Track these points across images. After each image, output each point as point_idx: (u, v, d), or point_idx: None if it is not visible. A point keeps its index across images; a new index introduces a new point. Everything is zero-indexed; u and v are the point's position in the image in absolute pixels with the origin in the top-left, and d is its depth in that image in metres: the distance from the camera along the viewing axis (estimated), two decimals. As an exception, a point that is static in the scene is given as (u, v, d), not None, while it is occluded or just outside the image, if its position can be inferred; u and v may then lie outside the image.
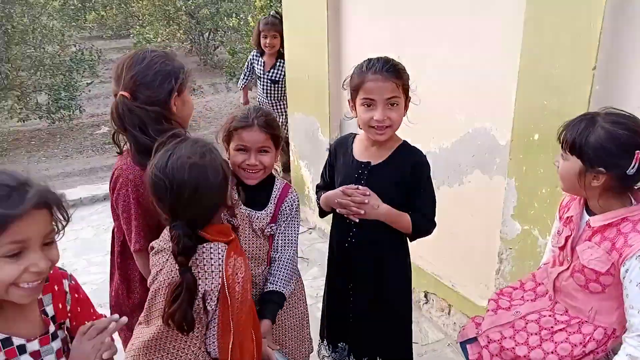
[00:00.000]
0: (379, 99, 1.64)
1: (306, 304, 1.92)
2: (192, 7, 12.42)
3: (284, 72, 4.06)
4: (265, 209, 1.72)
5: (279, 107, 4.30)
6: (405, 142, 1.81)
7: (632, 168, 1.33)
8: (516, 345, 1.53)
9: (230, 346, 1.37)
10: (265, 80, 4.26)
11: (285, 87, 4.12)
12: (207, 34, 13.15)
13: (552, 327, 1.52)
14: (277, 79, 4.21)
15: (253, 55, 4.31)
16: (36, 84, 9.01)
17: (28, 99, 9.06)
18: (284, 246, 1.77)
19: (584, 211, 1.51)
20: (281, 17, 3.88)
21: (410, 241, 1.85)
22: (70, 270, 1.30)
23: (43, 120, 9.40)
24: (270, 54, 4.15)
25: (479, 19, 2.27)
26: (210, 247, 1.37)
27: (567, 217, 1.56)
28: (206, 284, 1.34)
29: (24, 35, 8.68)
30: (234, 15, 11.81)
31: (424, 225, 1.77)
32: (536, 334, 1.53)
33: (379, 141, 1.73)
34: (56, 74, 9.21)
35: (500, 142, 2.23)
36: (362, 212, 1.68)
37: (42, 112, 9.23)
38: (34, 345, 1.13)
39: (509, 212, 2.15)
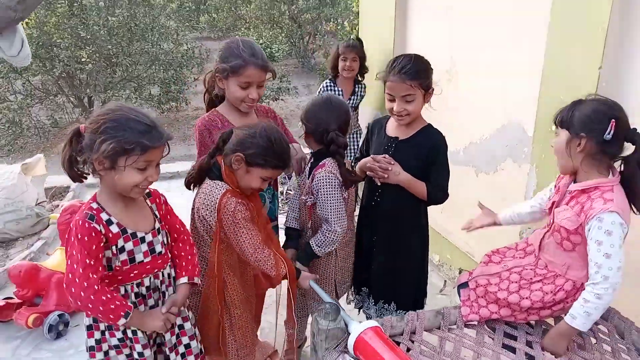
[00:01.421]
0: (396, 96, 2.03)
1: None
2: (296, 12, 13.15)
3: (363, 97, 3.91)
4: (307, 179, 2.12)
5: (357, 132, 3.97)
6: (429, 125, 2.16)
7: (608, 134, 1.60)
8: (498, 290, 1.83)
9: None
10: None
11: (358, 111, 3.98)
12: (307, 37, 13.84)
13: (531, 278, 1.81)
14: (356, 105, 3.92)
15: (326, 86, 3.80)
16: (151, 77, 10.06)
17: (143, 90, 10.16)
18: (323, 220, 2.08)
19: (572, 182, 1.79)
20: (361, 42, 3.82)
21: (427, 206, 2.20)
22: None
23: (154, 109, 10.49)
24: (347, 78, 3.77)
25: (513, 28, 2.56)
26: (213, 184, 1.84)
27: (561, 185, 1.84)
28: (204, 209, 1.83)
29: (144, 33, 9.70)
30: (331, 20, 12.34)
31: (437, 194, 2.12)
32: (516, 282, 1.83)
33: (406, 124, 2.11)
34: (168, 69, 10.22)
35: (528, 134, 2.50)
36: (386, 175, 2.07)
37: (154, 102, 10.30)
38: (149, 237, 1.65)
39: (529, 195, 2.42)
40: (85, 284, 1.48)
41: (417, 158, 2.11)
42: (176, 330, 1.79)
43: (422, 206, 2.20)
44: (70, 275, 1.50)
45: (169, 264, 1.76)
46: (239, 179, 1.85)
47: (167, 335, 1.75)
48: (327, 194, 2.03)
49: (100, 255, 1.53)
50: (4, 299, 2.78)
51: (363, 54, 3.76)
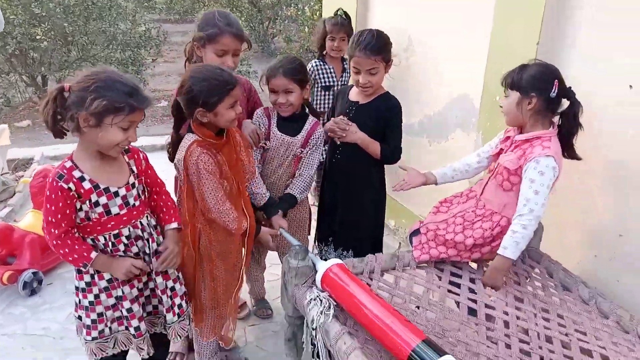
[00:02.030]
0: (362, 69, 2.26)
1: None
2: (256, -4, 13.12)
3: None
4: (297, 135, 2.31)
5: None
6: (387, 92, 2.40)
7: (553, 92, 1.88)
8: (446, 233, 2.09)
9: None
10: (338, 88, 3.52)
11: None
12: (266, 22, 13.84)
13: (472, 219, 2.08)
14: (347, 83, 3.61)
15: (315, 66, 3.56)
16: (108, 57, 9.90)
17: (99, 70, 10.01)
18: (307, 166, 2.36)
19: (517, 134, 2.05)
20: (349, 17, 3.53)
21: (382, 164, 2.46)
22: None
23: (111, 90, 10.33)
24: (336, 58, 3.56)
25: (464, 13, 2.82)
26: (186, 136, 1.97)
27: (506, 137, 2.10)
28: (177, 162, 1.97)
29: (102, 12, 9.55)
30: (292, 5, 12.37)
31: (391, 154, 2.39)
32: (461, 224, 2.09)
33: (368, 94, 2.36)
34: (126, 50, 10.10)
35: (475, 106, 2.77)
36: (344, 134, 2.31)
37: (111, 83, 10.16)
38: (122, 191, 1.77)
39: (476, 160, 2.68)
40: (55, 232, 1.63)
41: (374, 120, 2.35)
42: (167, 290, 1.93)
43: (376, 167, 2.46)
44: (44, 226, 1.66)
45: (147, 214, 1.88)
46: (215, 125, 1.93)
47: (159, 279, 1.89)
48: (319, 148, 2.34)
49: (68, 210, 1.65)
50: (-23, 259, 2.85)
51: (351, 31, 3.47)
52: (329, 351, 1.73)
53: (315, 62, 3.58)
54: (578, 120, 1.95)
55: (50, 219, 1.63)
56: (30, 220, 2.98)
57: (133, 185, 1.80)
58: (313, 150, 2.36)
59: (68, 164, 1.67)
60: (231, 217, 2.01)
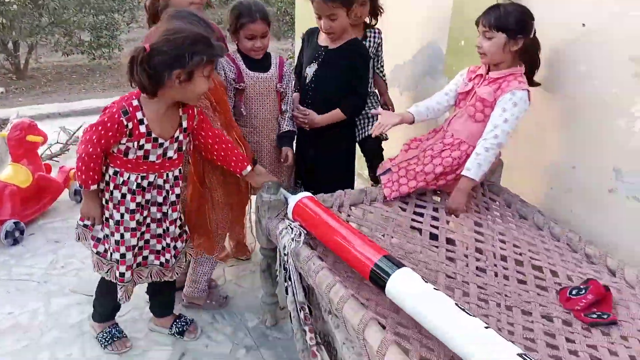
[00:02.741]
0: (322, 15, 2.32)
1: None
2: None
3: (377, 41, 2.81)
4: (269, 70, 2.38)
5: (374, 96, 2.93)
6: (356, 38, 2.47)
7: (533, 33, 2.01)
8: (416, 165, 2.21)
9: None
10: None
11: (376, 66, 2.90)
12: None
13: (441, 150, 2.19)
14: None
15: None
16: (80, 22, 9.73)
17: (72, 35, 9.83)
18: (289, 100, 2.47)
19: (489, 72, 2.15)
20: None
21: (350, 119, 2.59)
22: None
23: (85, 55, 10.19)
24: (356, 25, 2.71)
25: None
26: None
27: (476, 75, 2.20)
28: None
29: (73, -26, 9.33)
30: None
31: (353, 108, 2.51)
32: (430, 156, 2.20)
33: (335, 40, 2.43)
34: (99, 14, 9.93)
35: (443, 52, 2.86)
36: (306, 121, 2.47)
37: (85, 48, 10.00)
38: (166, 143, 1.85)
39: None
40: (89, 148, 1.73)
41: (342, 66, 2.43)
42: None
43: (343, 122, 2.55)
44: (85, 137, 1.75)
45: (179, 168, 1.97)
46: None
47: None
48: (292, 78, 2.49)
49: (112, 140, 1.75)
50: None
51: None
52: (300, 274, 1.85)
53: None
54: (538, 57, 2.08)
55: (93, 137, 1.72)
56: (10, 173, 3.02)
57: (177, 139, 1.89)
58: (290, 81, 2.46)
59: (135, 103, 1.76)
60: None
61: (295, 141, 2.64)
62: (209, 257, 2.32)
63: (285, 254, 1.88)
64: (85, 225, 1.96)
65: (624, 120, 1.99)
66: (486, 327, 1.37)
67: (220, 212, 2.21)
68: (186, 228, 2.13)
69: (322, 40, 2.48)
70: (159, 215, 1.96)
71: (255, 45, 2.30)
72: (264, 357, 2.20)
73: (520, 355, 1.29)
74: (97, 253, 1.95)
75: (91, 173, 1.79)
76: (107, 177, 1.85)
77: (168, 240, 2.01)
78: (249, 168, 2.09)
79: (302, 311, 1.85)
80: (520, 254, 1.99)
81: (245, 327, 2.36)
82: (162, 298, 2.27)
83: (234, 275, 2.71)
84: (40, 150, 3.43)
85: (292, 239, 1.86)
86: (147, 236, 1.97)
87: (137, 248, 1.95)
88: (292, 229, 1.89)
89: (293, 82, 2.50)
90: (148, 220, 1.95)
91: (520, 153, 2.43)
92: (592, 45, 2.07)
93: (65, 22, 9.53)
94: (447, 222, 2.15)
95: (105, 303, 2.16)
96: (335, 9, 2.28)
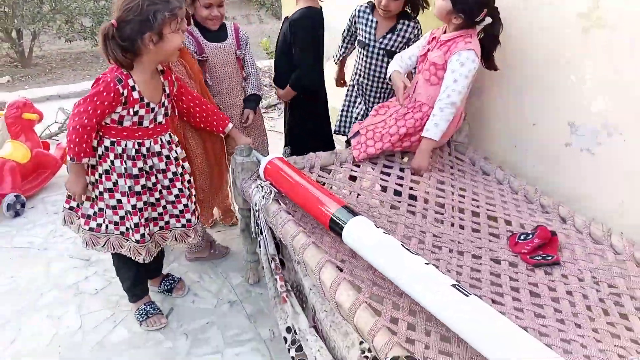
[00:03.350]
0: None
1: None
2: None
3: (408, 38, 2.58)
4: (227, 39, 2.52)
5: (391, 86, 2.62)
6: (308, 7, 2.55)
7: (479, 19, 2.11)
8: (382, 128, 2.33)
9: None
10: (375, 49, 2.60)
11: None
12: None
13: (404, 113, 2.32)
14: (393, 48, 2.58)
15: (359, 11, 2.63)
16: (81, 8, 9.85)
17: (74, 21, 9.95)
18: (251, 64, 2.61)
19: (442, 35, 2.26)
20: None
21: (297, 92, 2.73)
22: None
23: (88, 42, 10.33)
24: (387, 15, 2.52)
25: None
26: None
27: (432, 38, 2.31)
28: None
29: (72, -40, 9.42)
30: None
31: (295, 84, 2.66)
32: (395, 119, 2.33)
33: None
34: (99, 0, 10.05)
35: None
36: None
37: (87, 34, 10.14)
38: (155, 108, 1.96)
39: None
40: (83, 120, 1.81)
41: (285, 34, 2.62)
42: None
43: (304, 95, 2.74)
44: (78, 108, 1.82)
45: (169, 132, 2.08)
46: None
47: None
48: (249, 44, 2.63)
49: (108, 110, 1.84)
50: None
51: None
52: (270, 228, 2.01)
53: (362, 6, 2.64)
54: (498, 39, 2.18)
55: (88, 108, 1.80)
56: (9, 150, 3.19)
57: (163, 104, 2.01)
58: (247, 47, 2.59)
59: (125, 71, 1.84)
60: None
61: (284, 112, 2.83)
62: None
63: (256, 210, 2.03)
64: (71, 208, 2.06)
65: (575, 76, 2.10)
66: (426, 264, 1.52)
67: (200, 178, 2.37)
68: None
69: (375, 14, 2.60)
70: (166, 182, 2.08)
71: (212, 13, 2.39)
72: (246, 311, 2.36)
73: (453, 285, 1.44)
74: (90, 229, 2.04)
75: (84, 145, 1.85)
76: (100, 151, 1.94)
77: (185, 201, 2.12)
78: (230, 125, 2.25)
79: (272, 262, 2.01)
80: (478, 207, 2.12)
81: (229, 285, 2.53)
82: (155, 259, 2.41)
83: (221, 239, 2.87)
84: (39, 130, 3.60)
85: (263, 197, 2.01)
86: (162, 202, 2.10)
87: (148, 214, 2.05)
88: (262, 187, 2.04)
89: (250, 49, 2.63)
90: (159, 186, 2.06)
91: (486, 114, 2.55)
92: (543, 4, 2.17)
93: (66, 9, 9.65)
94: (412, 181, 2.28)
95: (128, 276, 2.25)
96: None
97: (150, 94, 1.93)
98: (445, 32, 2.25)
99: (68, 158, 1.89)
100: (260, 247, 2.09)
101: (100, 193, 1.99)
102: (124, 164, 1.94)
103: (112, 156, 1.93)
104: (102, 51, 1.82)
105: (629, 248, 1.82)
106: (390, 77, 2.41)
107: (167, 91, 2.02)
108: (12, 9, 9.08)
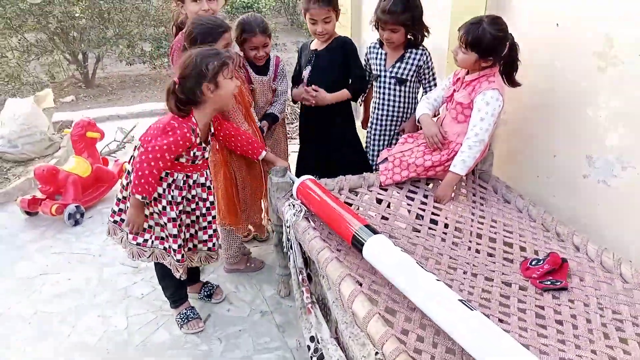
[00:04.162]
0: (318, 20, 2.67)
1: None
2: (288, -30, 13.39)
3: (418, 65, 2.76)
4: (268, 73, 2.82)
5: (406, 113, 2.90)
6: (339, 36, 2.81)
7: (504, 53, 2.26)
8: (409, 158, 2.49)
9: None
10: (386, 78, 2.81)
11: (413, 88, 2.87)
12: (296, -4, 14.12)
13: (432, 149, 2.47)
14: (404, 76, 2.77)
15: (370, 47, 2.91)
16: (142, 33, 10.49)
17: (135, 46, 10.60)
18: (281, 93, 2.90)
19: (466, 75, 2.42)
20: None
21: (354, 101, 2.88)
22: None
23: (146, 65, 10.96)
24: (392, 46, 2.75)
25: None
26: None
27: (457, 78, 2.48)
28: None
29: (136, -12, 10.08)
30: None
31: (359, 87, 2.81)
32: (422, 151, 2.49)
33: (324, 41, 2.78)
34: (159, 26, 10.67)
35: (444, 50, 3.13)
36: (314, 102, 2.76)
37: (147, 58, 10.77)
38: (207, 147, 2.26)
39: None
40: (160, 165, 2.05)
41: (332, 61, 2.78)
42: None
43: (341, 105, 2.87)
44: (151, 152, 2.02)
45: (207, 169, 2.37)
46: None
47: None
48: (285, 76, 2.92)
49: (175, 155, 2.09)
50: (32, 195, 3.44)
51: (410, 18, 2.62)
52: (299, 243, 2.19)
53: (372, 44, 2.92)
54: (517, 62, 2.32)
55: (165, 154, 2.03)
56: (73, 164, 3.54)
57: (208, 142, 2.30)
58: (283, 78, 2.90)
59: (194, 120, 2.12)
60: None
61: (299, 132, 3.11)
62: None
63: (288, 227, 2.23)
64: (115, 222, 2.31)
65: (591, 109, 2.22)
66: (437, 280, 1.67)
67: (242, 192, 2.63)
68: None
69: (313, 45, 2.87)
70: (204, 210, 2.36)
71: (257, 54, 2.72)
72: (276, 321, 2.55)
73: (460, 300, 1.58)
74: (137, 244, 2.29)
75: (156, 186, 2.09)
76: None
77: (214, 226, 2.42)
78: (264, 153, 2.48)
79: (300, 274, 2.20)
80: (495, 233, 2.24)
81: (262, 296, 2.73)
82: (191, 269, 2.66)
83: (257, 254, 3.08)
84: (100, 147, 3.95)
85: (294, 214, 2.21)
86: (196, 227, 2.37)
87: (184, 235, 2.30)
88: (293, 205, 2.24)
89: (286, 80, 2.93)
90: (197, 212, 2.34)
91: (511, 145, 2.68)
92: (564, 42, 2.30)
93: (129, 34, 10.31)
94: (434, 207, 2.42)
95: (170, 284, 2.48)
96: (330, 12, 2.66)
97: (204, 136, 2.23)
98: (468, 73, 2.40)
99: (137, 195, 2.06)
100: (290, 261, 2.27)
101: (150, 213, 2.23)
102: (171, 192, 2.20)
103: (164, 185, 2.18)
104: (167, 104, 2.12)
105: (637, 277, 1.90)
106: (419, 119, 2.59)
107: (212, 130, 2.32)
108: (80, 33, 9.77)
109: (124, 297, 2.72)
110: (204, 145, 2.23)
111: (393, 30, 2.62)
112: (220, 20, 2.38)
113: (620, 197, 2.14)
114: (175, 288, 2.51)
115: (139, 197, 2.07)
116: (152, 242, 2.28)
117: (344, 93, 2.77)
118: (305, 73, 2.87)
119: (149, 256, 2.31)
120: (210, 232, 2.41)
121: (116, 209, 2.30)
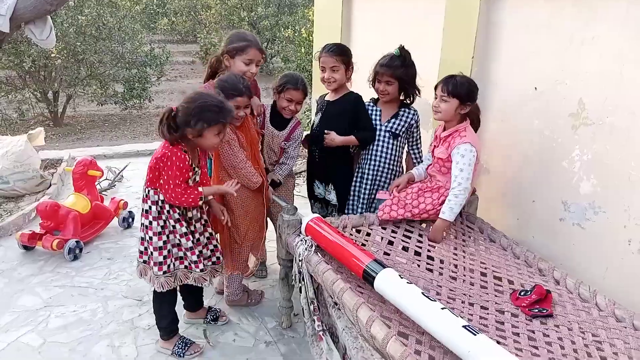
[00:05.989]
0: (327, 67, 2.95)
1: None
2: (255, 18, 13.90)
3: (410, 123, 3.03)
4: (283, 131, 3.02)
5: (395, 162, 3.11)
6: (351, 91, 3.08)
7: (476, 100, 2.60)
8: (405, 199, 2.76)
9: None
10: (382, 132, 3.03)
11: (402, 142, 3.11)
12: (265, 43, 14.61)
13: (425, 189, 2.75)
14: (397, 132, 3.02)
15: (366, 106, 3.09)
16: (115, 75, 10.64)
17: (107, 87, 10.71)
18: (289, 157, 3.08)
19: (442, 132, 2.74)
20: (404, 57, 2.93)
21: (361, 149, 3.11)
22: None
23: (118, 105, 11.05)
24: (388, 101, 3.04)
25: (420, 36, 3.54)
26: None
27: (436, 136, 2.79)
28: None
29: (111, 32, 10.27)
30: (289, 27, 13.16)
31: (368, 136, 3.04)
32: (416, 192, 2.76)
33: (333, 90, 3.05)
34: (132, 68, 10.85)
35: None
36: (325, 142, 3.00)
37: (118, 99, 10.88)
38: (197, 169, 2.46)
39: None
40: (179, 190, 2.30)
41: (340, 114, 3.02)
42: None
43: (349, 153, 3.14)
44: (167, 186, 2.29)
45: None
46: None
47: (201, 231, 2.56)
48: (298, 144, 3.09)
49: (185, 176, 2.32)
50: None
51: (405, 73, 2.91)
52: (311, 276, 2.39)
53: (366, 102, 3.13)
54: (479, 115, 2.69)
55: (177, 181, 2.29)
56: (73, 200, 3.64)
57: (199, 164, 2.50)
58: (294, 145, 3.07)
59: (184, 150, 2.32)
60: (253, 173, 2.73)
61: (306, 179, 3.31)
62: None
63: (300, 260, 2.43)
64: (145, 262, 2.47)
65: (566, 162, 2.56)
66: (442, 308, 1.90)
67: (251, 229, 2.83)
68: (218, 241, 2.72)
69: (327, 97, 3.13)
70: (201, 229, 2.55)
71: (290, 107, 2.95)
72: (280, 350, 2.70)
73: (464, 326, 1.81)
74: (164, 273, 2.45)
75: (190, 191, 2.33)
76: (159, 206, 2.38)
77: (215, 242, 2.62)
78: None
79: (312, 304, 2.39)
80: (486, 268, 2.51)
81: (265, 328, 2.88)
82: (195, 295, 2.83)
83: (257, 288, 3.24)
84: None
85: (306, 249, 2.42)
86: (200, 247, 2.54)
87: (177, 253, 2.48)
88: (305, 241, 2.45)
89: (298, 148, 3.11)
90: (197, 234, 2.52)
91: (494, 191, 2.99)
92: (542, 104, 2.66)
93: (102, 75, 10.43)
94: (429, 245, 2.68)
95: (166, 312, 2.60)
96: (337, 63, 2.93)
97: (194, 160, 2.42)
98: (444, 129, 2.72)
99: (198, 201, 2.38)
100: (300, 292, 2.46)
101: (167, 236, 2.42)
102: (176, 210, 2.40)
103: (167, 207, 2.39)
104: (158, 127, 2.32)
105: (610, 306, 2.19)
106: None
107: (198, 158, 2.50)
108: (51, 73, 9.80)
109: (131, 328, 2.82)
110: (196, 168, 2.43)
111: (388, 82, 2.92)
112: (242, 86, 2.59)
113: (593, 238, 2.46)
114: (172, 319, 2.64)
115: (199, 201, 2.38)
116: (173, 264, 2.46)
117: (351, 138, 2.99)
118: (316, 119, 3.12)
119: (174, 280, 2.47)
120: (211, 246, 2.61)
121: (142, 248, 2.46)
